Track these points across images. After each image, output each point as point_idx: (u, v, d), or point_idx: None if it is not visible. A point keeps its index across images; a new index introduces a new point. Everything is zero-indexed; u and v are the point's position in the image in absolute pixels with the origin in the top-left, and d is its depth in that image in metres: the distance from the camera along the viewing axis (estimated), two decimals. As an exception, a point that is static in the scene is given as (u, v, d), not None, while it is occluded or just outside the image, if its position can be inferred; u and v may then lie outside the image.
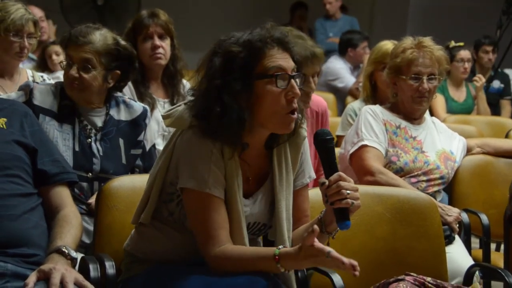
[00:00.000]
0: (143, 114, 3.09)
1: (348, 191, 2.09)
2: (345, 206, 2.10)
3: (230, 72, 2.11)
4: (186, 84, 3.70)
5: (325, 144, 2.16)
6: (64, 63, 2.96)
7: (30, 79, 3.76)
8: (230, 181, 2.14)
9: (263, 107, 2.12)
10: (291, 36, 2.80)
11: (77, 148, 2.92)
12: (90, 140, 2.96)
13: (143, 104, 3.16)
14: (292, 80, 2.14)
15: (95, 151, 2.95)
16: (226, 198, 2.15)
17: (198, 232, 2.14)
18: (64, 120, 2.93)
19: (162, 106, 3.60)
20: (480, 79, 6.18)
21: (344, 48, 7.03)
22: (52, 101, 2.93)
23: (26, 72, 3.81)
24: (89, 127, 2.98)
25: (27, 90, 2.92)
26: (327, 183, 2.11)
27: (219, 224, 2.11)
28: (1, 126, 2.26)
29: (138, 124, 3.07)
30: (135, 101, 3.16)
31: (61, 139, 2.90)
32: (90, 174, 2.92)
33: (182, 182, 2.14)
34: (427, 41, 3.26)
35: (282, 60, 2.14)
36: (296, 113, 2.16)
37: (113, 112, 3.04)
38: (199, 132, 2.14)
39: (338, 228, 2.16)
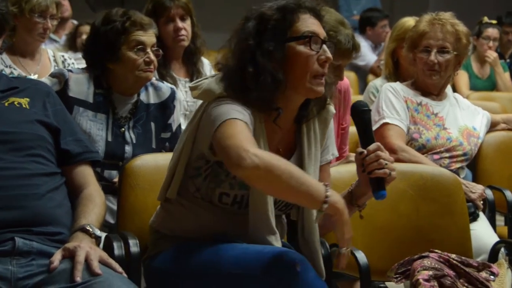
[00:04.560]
0: (172, 96, 3.09)
1: (386, 162, 2.12)
2: (382, 176, 2.12)
3: (263, 33, 2.14)
4: (205, 61, 3.70)
5: (362, 115, 2.19)
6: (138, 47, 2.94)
7: (51, 59, 3.78)
8: None
9: (295, 68, 2.13)
10: (333, 21, 2.84)
11: (109, 138, 2.93)
12: (123, 129, 2.97)
13: (170, 85, 3.16)
14: (324, 45, 2.16)
15: (128, 139, 2.96)
16: None
17: (228, 148, 1.98)
18: (98, 110, 2.94)
19: (184, 86, 3.60)
20: (490, 55, 6.09)
21: (363, 26, 6.99)
22: (87, 91, 2.93)
23: (47, 52, 3.83)
24: (123, 115, 2.98)
25: (62, 79, 2.91)
26: (365, 152, 2.13)
27: (253, 139, 2.03)
28: (24, 106, 2.27)
29: (167, 106, 3.08)
30: (163, 82, 3.16)
31: (95, 129, 2.91)
32: (121, 162, 2.92)
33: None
34: (445, 15, 3.23)
35: (315, 25, 2.18)
36: (325, 79, 2.17)
37: (142, 96, 3.04)
38: (228, 100, 2.12)
39: (374, 198, 2.17)
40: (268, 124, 2.18)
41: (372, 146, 2.14)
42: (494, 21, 6.19)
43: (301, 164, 2.24)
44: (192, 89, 2.23)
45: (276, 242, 2.17)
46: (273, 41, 2.13)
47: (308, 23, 2.16)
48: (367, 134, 2.18)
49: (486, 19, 6.18)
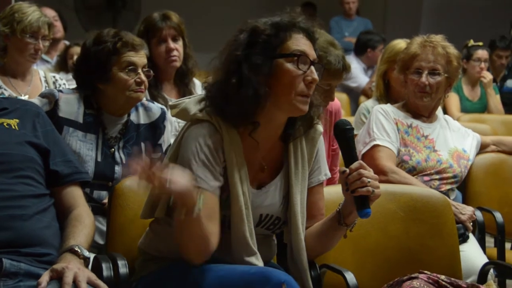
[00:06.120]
0: (162, 116, 3.09)
1: (368, 179, 2.11)
2: (366, 194, 2.12)
3: (253, 46, 2.14)
4: (197, 82, 3.71)
5: (345, 133, 2.20)
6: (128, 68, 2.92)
7: (43, 79, 3.78)
8: (231, 171, 2.13)
9: (280, 85, 2.13)
10: (323, 41, 2.84)
11: (99, 159, 2.92)
12: (113, 149, 2.96)
13: (161, 106, 3.15)
14: (312, 66, 2.16)
15: (118, 159, 2.95)
16: (229, 188, 2.14)
17: None
18: (88, 130, 2.93)
19: (175, 107, 3.60)
20: (487, 76, 6.12)
21: (363, 48, 7.01)
22: (77, 111, 2.92)
23: (39, 72, 3.83)
24: (113, 136, 2.98)
25: (52, 99, 2.90)
26: (347, 171, 2.14)
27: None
28: (13, 127, 2.27)
29: (157, 127, 3.07)
30: (153, 103, 3.16)
31: (85, 149, 2.90)
32: (111, 183, 2.92)
33: None
34: (436, 38, 3.25)
35: (306, 46, 2.18)
36: (310, 97, 2.17)
37: (133, 116, 3.04)
38: (201, 125, 2.14)
39: (359, 217, 2.17)
40: (248, 139, 2.18)
41: (354, 165, 2.14)
42: (480, 43, 6.23)
43: (287, 182, 2.25)
44: (171, 107, 2.24)
45: (257, 261, 2.16)
46: (261, 55, 2.13)
47: (300, 43, 2.17)
48: (350, 153, 2.19)
49: (472, 42, 6.21)
